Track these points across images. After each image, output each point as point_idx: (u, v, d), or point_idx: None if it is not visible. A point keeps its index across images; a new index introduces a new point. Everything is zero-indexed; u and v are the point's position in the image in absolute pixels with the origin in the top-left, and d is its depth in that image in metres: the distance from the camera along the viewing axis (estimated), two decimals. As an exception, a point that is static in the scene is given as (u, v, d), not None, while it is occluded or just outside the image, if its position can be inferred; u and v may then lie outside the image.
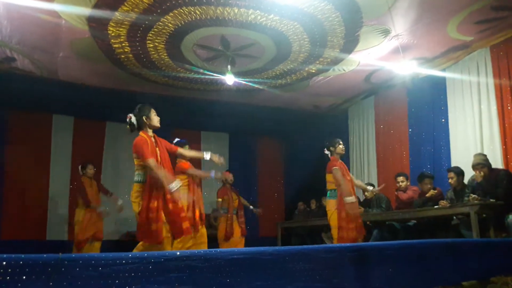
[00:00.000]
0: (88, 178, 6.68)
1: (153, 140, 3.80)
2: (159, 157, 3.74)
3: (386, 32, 5.58)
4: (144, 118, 3.80)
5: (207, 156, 4.22)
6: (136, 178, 3.74)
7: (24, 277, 1.92)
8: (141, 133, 3.78)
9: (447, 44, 6.02)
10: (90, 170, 6.72)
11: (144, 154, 3.62)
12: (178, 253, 2.28)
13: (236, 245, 6.76)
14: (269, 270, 2.47)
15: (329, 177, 5.24)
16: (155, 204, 3.60)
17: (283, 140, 10.46)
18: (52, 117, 8.08)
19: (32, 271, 1.94)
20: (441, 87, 6.68)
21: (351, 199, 4.90)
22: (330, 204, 5.12)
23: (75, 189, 7.04)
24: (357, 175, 8.11)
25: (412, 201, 6.03)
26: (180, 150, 4.24)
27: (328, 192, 5.25)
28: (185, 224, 3.80)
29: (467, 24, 5.44)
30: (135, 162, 3.81)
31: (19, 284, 1.90)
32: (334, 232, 5.01)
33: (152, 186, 3.64)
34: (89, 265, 2.05)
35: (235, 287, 2.36)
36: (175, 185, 3.62)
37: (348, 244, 3.23)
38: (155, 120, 3.86)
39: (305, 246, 2.71)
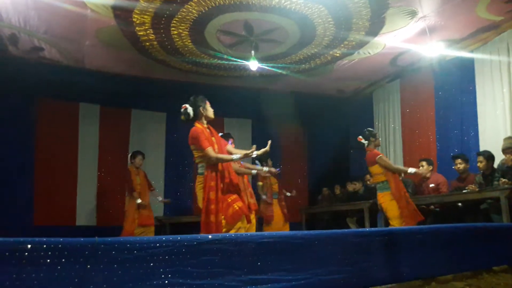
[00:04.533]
0: (135, 168, 6.78)
1: (208, 130, 3.81)
2: (215, 146, 3.73)
3: (413, 14, 5.46)
4: (200, 109, 3.81)
5: (254, 154, 4.09)
6: (199, 170, 3.78)
7: (63, 260, 1.98)
8: (196, 123, 3.78)
9: (476, 24, 5.86)
10: (139, 160, 6.81)
11: (201, 144, 3.61)
12: (210, 236, 2.32)
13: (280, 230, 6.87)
14: (299, 253, 2.49)
15: (374, 170, 5.09)
16: (213, 195, 3.58)
17: (307, 125, 10.39)
18: (79, 106, 8.20)
19: (70, 255, 2.00)
20: (469, 69, 6.52)
21: (411, 169, 4.92)
22: (385, 197, 4.97)
23: (123, 178, 7.16)
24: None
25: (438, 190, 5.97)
26: (229, 146, 4.16)
27: (378, 186, 5.12)
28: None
29: (497, 3, 5.27)
30: (195, 154, 3.82)
31: (59, 267, 1.97)
32: (395, 223, 4.81)
33: (210, 177, 3.62)
34: (125, 249, 2.10)
35: (265, 270, 2.39)
36: (235, 157, 3.65)
37: (377, 229, 3.23)
38: (210, 111, 3.89)
39: (334, 230, 2.72)
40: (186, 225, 7.43)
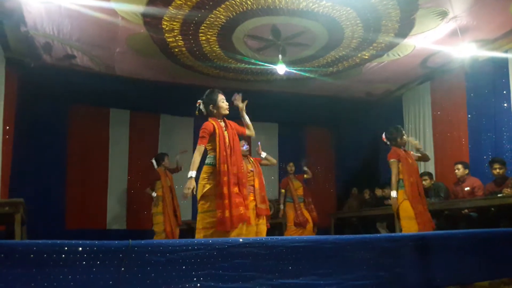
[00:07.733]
0: (163, 168, 6.86)
1: (222, 124, 3.78)
2: (227, 141, 3.70)
3: (443, 14, 5.36)
4: (211, 106, 3.80)
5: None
6: (206, 161, 3.73)
7: (98, 262, 2.02)
8: (210, 119, 3.78)
9: (509, 24, 5.69)
10: (167, 161, 6.91)
11: (199, 139, 3.63)
12: (241, 240, 2.32)
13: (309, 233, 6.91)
14: (330, 258, 2.46)
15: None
16: (226, 191, 3.56)
17: (334, 129, 10.30)
18: (109, 111, 8.38)
19: (105, 257, 2.04)
20: (503, 70, 6.32)
21: (393, 193, 4.80)
22: (399, 195, 4.87)
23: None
24: (412, 164, 7.87)
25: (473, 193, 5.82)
26: (248, 131, 4.04)
27: None
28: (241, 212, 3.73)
29: (532, 1, 5.13)
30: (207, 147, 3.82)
31: (94, 269, 2.01)
32: (405, 223, 4.73)
33: (223, 172, 3.59)
34: (157, 251, 2.13)
35: (297, 275, 2.37)
36: (190, 174, 3.52)
37: (410, 233, 3.17)
38: (223, 107, 3.82)
39: (366, 235, 2.69)
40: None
